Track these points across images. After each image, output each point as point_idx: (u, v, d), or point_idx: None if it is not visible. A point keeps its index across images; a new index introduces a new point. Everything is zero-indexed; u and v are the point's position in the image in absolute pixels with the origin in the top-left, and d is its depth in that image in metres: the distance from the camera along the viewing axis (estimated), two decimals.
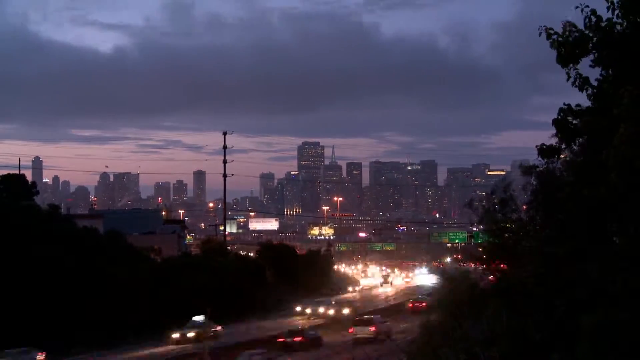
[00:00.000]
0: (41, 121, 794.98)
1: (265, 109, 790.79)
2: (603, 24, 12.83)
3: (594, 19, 12.81)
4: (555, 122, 14.31)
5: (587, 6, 12.86)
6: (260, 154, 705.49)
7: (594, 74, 13.43)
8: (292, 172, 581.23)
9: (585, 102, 13.90)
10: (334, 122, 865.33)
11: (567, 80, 13.23)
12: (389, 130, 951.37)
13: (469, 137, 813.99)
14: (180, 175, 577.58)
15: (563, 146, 15.23)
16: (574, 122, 14.13)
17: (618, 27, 12.85)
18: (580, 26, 12.99)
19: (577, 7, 12.89)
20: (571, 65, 13.19)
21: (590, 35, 12.88)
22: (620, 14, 12.60)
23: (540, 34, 13.13)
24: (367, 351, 49.04)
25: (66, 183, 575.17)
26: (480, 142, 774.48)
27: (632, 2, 12.52)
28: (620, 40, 12.63)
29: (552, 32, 13.10)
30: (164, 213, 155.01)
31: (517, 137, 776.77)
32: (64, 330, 57.53)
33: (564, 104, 14.11)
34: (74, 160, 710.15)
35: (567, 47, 12.95)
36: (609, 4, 12.62)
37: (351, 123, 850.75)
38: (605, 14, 12.89)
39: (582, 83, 13.19)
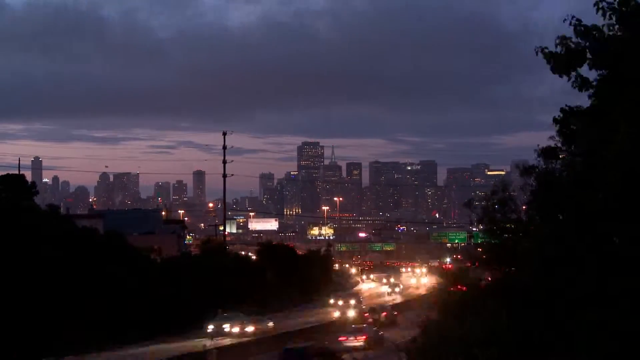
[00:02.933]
0: (57, 121, 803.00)
1: (278, 107, 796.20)
2: (593, 31, 12.94)
3: (581, 28, 12.95)
4: (555, 122, 14.35)
5: (573, 17, 13.07)
6: (271, 154, 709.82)
7: (593, 74, 13.48)
8: (291, 172, 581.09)
9: (586, 103, 13.95)
10: (343, 122, 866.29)
11: (568, 81, 13.28)
12: (400, 130, 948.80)
13: (481, 138, 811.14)
14: (180, 175, 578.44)
15: (563, 147, 15.26)
16: (574, 122, 14.17)
17: (606, 29, 12.95)
18: (572, 36, 13.16)
19: (564, 20, 13.08)
20: (571, 70, 13.29)
21: (582, 42, 13.00)
22: (614, 18, 12.72)
23: (537, 54, 13.34)
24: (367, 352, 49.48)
25: (66, 183, 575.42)
26: (492, 143, 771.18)
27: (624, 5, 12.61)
28: (613, 43, 12.72)
29: (547, 50, 13.34)
30: (163, 213, 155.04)
31: (530, 138, 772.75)
32: (63, 330, 57.50)
33: (565, 104, 14.17)
34: (82, 161, 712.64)
35: (560, 59, 13.16)
36: (598, 9, 12.74)
37: (362, 123, 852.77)
38: (592, 19, 13.08)
39: (581, 84, 13.24)
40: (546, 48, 13.30)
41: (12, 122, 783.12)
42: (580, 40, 12.95)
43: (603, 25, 12.83)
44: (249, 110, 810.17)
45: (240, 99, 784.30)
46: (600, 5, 12.70)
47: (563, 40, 13.04)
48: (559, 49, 13.05)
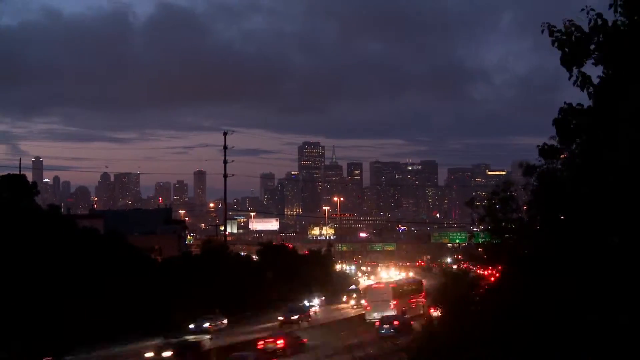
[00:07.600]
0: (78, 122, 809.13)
1: (296, 109, 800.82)
2: (608, 28, 12.74)
3: (599, 22, 12.71)
4: (555, 122, 14.27)
5: (593, 9, 12.77)
6: (272, 154, 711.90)
7: (595, 72, 13.37)
8: (292, 172, 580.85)
9: (587, 102, 13.87)
10: (359, 123, 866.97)
11: (569, 79, 13.17)
12: (417, 131, 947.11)
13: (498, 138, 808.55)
14: (181, 175, 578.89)
15: (563, 146, 15.20)
16: (575, 121, 14.09)
17: (622, 27, 12.78)
18: (583, 26, 12.90)
19: (582, 9, 12.77)
20: (574, 66, 13.11)
21: (593, 35, 12.80)
22: (621, 12, 12.53)
23: (542, 31, 13.02)
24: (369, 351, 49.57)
25: (67, 183, 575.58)
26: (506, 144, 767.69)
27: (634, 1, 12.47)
28: (624, 40, 12.56)
29: (555, 29, 12.98)
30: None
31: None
32: (63, 330, 57.52)
33: (565, 103, 14.06)
34: (95, 162, 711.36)
35: (571, 47, 12.83)
36: (612, 2, 12.54)
37: (378, 124, 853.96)
38: (605, 13, 12.83)
39: (583, 82, 13.13)
40: (554, 26, 12.95)
41: (31, 122, 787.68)
42: (592, 33, 12.71)
43: (617, 21, 12.67)
44: (267, 110, 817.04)
45: (257, 98, 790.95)
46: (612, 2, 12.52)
47: (573, 25, 12.77)
48: (570, 34, 12.71)
